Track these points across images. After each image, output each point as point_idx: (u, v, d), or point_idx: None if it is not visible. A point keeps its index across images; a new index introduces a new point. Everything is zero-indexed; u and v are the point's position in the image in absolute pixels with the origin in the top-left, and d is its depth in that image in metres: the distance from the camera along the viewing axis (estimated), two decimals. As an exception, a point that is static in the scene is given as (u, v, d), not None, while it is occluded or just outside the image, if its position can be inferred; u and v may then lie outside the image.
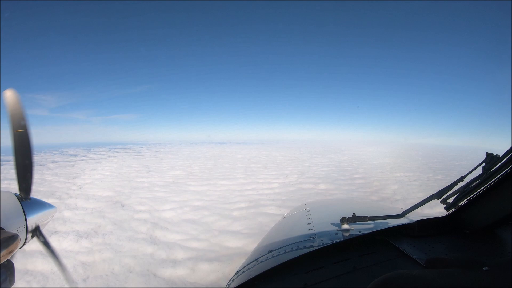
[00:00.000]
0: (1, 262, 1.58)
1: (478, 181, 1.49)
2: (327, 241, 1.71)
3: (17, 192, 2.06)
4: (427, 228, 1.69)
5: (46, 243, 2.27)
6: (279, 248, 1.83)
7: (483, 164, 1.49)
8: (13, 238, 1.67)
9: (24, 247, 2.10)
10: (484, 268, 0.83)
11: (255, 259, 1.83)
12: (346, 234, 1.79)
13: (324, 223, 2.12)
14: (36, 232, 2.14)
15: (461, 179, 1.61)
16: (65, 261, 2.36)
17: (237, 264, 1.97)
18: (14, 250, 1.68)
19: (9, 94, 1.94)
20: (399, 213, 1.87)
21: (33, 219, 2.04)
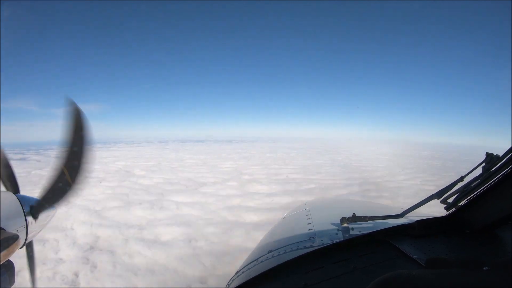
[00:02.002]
0: (1, 262, 1.58)
1: (478, 181, 1.49)
2: (327, 241, 1.71)
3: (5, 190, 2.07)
4: (427, 228, 1.68)
5: (31, 257, 2.33)
6: (279, 248, 1.83)
7: (483, 164, 1.49)
8: (13, 238, 1.68)
9: (24, 247, 2.10)
10: (484, 268, 0.83)
11: (255, 259, 1.84)
12: (346, 234, 1.79)
13: (324, 223, 2.12)
14: (29, 245, 2.18)
15: (461, 179, 1.61)
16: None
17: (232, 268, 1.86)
18: (14, 250, 1.68)
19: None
20: (399, 213, 1.87)
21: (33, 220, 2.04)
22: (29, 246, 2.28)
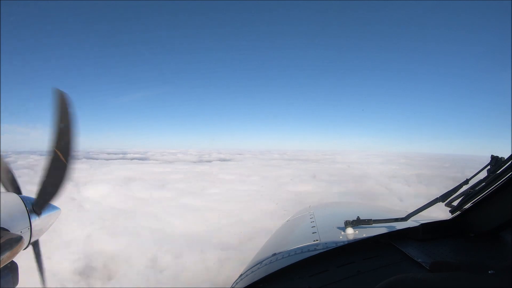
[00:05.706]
0: (6, 263, 1.58)
1: (483, 183, 1.47)
2: (331, 244, 1.71)
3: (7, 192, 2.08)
4: (431, 231, 1.67)
5: (39, 256, 2.32)
6: (283, 251, 1.82)
7: (488, 167, 1.48)
8: (17, 239, 1.68)
9: (28, 248, 2.11)
10: (489, 272, 0.82)
11: (259, 262, 1.83)
12: (351, 238, 1.78)
13: (328, 226, 2.11)
14: (35, 245, 2.18)
15: (466, 181, 1.60)
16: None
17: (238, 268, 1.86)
18: (18, 251, 1.69)
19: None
20: (403, 216, 1.86)
21: (37, 221, 2.05)
22: (35, 246, 2.28)
